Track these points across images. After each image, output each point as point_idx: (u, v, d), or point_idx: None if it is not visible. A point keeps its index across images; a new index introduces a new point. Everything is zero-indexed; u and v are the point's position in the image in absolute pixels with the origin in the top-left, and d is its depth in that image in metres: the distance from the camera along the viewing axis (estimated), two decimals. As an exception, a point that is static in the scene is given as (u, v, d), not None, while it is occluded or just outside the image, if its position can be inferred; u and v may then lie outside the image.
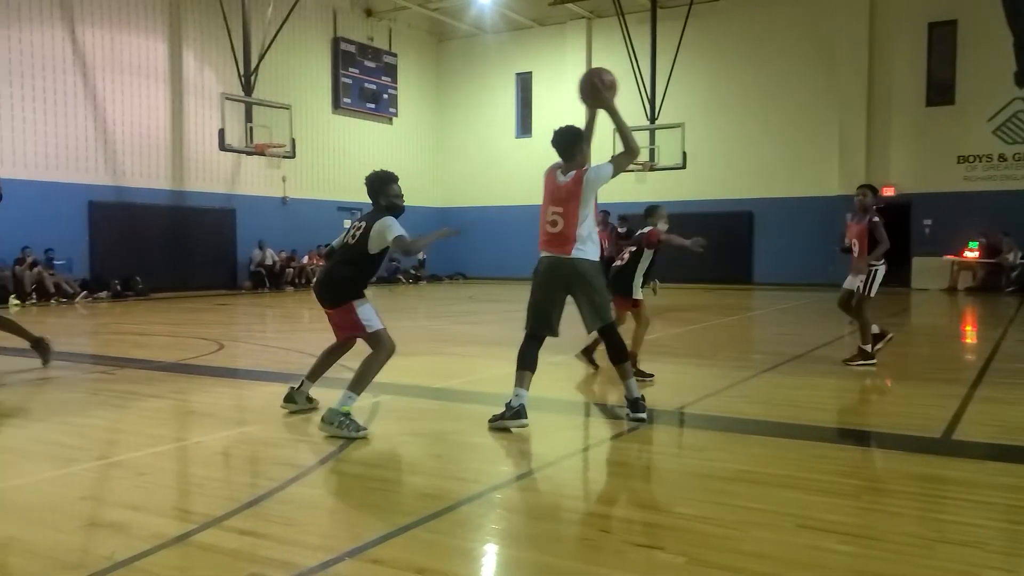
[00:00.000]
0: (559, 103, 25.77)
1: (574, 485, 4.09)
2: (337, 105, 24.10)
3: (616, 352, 5.25)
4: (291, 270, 21.81)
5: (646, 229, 7.17)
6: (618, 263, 7.22)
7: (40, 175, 17.06)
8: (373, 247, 5.17)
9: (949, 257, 20.73)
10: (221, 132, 18.44)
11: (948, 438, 4.87)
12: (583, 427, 5.57)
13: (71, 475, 4.14)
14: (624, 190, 24.02)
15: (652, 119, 22.19)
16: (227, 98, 18.72)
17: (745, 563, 2.85)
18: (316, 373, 5.59)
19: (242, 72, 19.28)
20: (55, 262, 16.83)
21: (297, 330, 12.21)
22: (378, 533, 3.15)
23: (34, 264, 16.32)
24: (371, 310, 5.17)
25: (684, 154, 21.62)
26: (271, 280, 21.09)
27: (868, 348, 7.70)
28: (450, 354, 8.15)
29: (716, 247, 23.20)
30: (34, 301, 16.06)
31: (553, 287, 5.19)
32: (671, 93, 22.07)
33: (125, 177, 18.74)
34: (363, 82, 24.77)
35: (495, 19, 25.97)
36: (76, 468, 4.27)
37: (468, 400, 6.40)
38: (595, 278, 5.16)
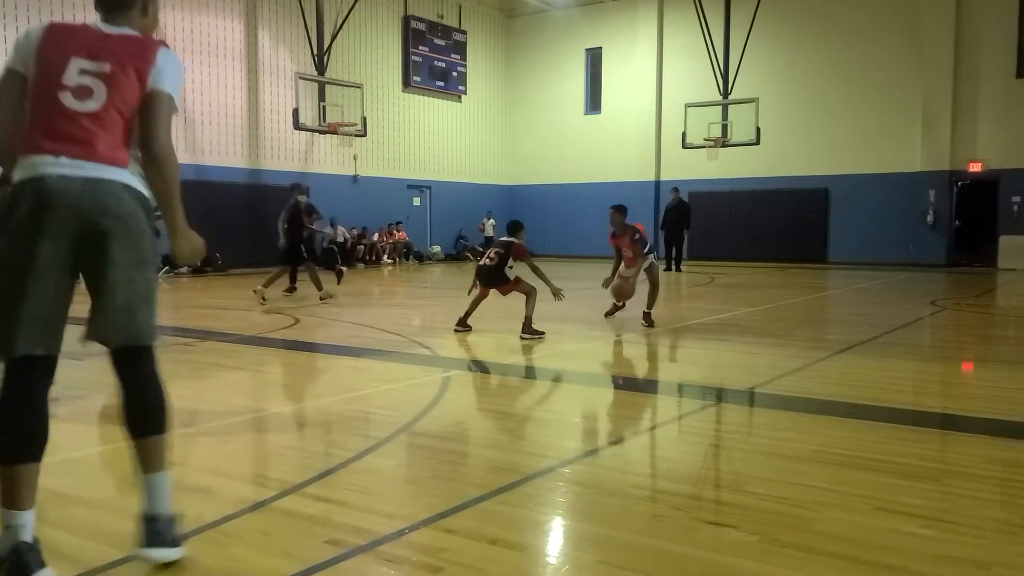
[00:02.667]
0: (630, 78, 25.52)
1: (643, 462, 4.09)
2: (407, 83, 24.28)
3: None
4: (362, 247, 22.18)
5: (513, 240, 8.29)
6: (487, 263, 8.30)
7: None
8: None
9: (1039, 236, 19.85)
10: (295, 111, 18.82)
11: (1036, 423, 4.69)
12: (652, 405, 5.54)
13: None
14: (696, 167, 23.71)
15: (725, 94, 21.71)
16: (301, 77, 19.07)
17: (821, 544, 2.81)
18: None
19: (315, 51, 19.59)
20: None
21: (369, 305, 12.43)
22: (451, 504, 3.21)
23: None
24: None
25: (758, 130, 21.11)
26: (343, 257, 21.49)
27: None
28: (518, 330, 8.18)
29: (790, 225, 22.93)
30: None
31: None
32: (745, 67, 21.52)
33: (204, 156, 19.30)
34: (433, 60, 24.88)
35: (565, -6, 25.77)
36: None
37: (536, 376, 6.44)
38: None
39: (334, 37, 19.98)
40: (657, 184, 25.03)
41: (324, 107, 19.49)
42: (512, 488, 3.44)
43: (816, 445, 4.11)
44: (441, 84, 25.28)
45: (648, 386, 6.16)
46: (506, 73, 27.99)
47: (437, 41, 25.00)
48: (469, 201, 26.12)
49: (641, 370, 6.83)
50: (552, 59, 27.08)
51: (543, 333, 7.87)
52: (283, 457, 4.11)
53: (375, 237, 22.82)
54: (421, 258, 24.18)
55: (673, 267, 19.18)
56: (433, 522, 3.02)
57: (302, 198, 11.95)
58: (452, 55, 25.59)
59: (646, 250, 8.83)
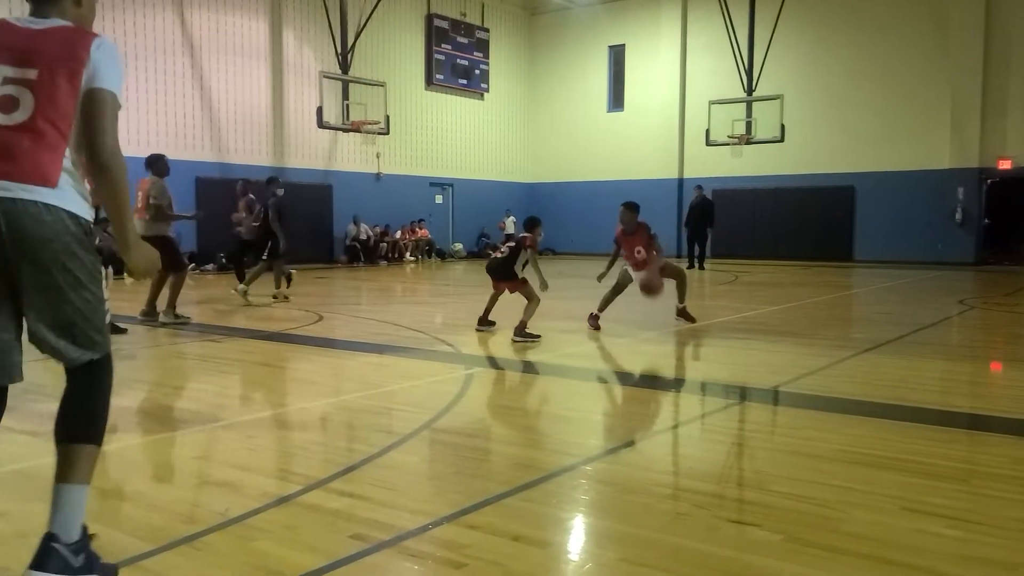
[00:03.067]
0: (653, 75, 25.40)
1: (666, 460, 4.08)
2: (430, 81, 24.34)
3: None
4: (384, 244, 22.28)
5: (526, 234, 8.32)
6: (498, 256, 8.35)
7: (151, 152, 17.89)
8: None
9: (1071, 234, 19.52)
10: (319, 110, 18.93)
11: (1066, 424, 4.62)
12: (674, 403, 5.53)
13: (185, 436, 4.39)
14: (720, 165, 23.57)
15: (749, 91, 21.55)
16: (325, 76, 19.18)
17: (846, 544, 2.80)
18: None
19: (339, 50, 19.70)
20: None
21: (392, 303, 12.50)
22: (473, 500, 3.23)
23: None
24: None
25: (782, 127, 20.94)
26: (365, 254, 21.62)
27: None
28: (539, 328, 8.18)
29: (815, 223, 22.72)
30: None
31: None
32: (769, 63, 21.36)
33: (229, 154, 19.48)
34: (455, 58, 24.93)
35: (588, -9, 25.70)
36: (190, 430, 4.52)
37: (557, 374, 6.44)
38: None
39: (358, 36, 20.08)
40: (680, 182, 24.90)
41: (348, 105, 19.59)
42: (535, 485, 3.45)
43: (841, 444, 4.08)
44: (464, 82, 25.32)
45: (671, 384, 6.14)
46: (529, 71, 27.97)
47: (460, 39, 25.04)
48: (491, 199, 26.14)
49: (664, 368, 6.81)
50: (575, 56, 27.03)
51: (539, 336, 7.72)
52: (307, 452, 4.15)
53: (397, 235, 22.91)
54: (443, 256, 24.25)
55: (696, 265, 19.08)
56: (456, 518, 3.04)
57: (279, 191, 11.62)
58: (475, 53, 25.62)
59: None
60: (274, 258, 11.43)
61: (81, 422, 2.41)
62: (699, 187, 20.55)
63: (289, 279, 12.23)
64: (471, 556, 2.68)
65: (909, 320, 9.41)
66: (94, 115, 2.27)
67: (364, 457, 3.87)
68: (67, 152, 2.30)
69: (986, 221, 21.35)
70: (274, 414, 4.99)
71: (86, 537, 2.36)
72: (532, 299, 7.99)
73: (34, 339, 2.37)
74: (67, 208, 2.29)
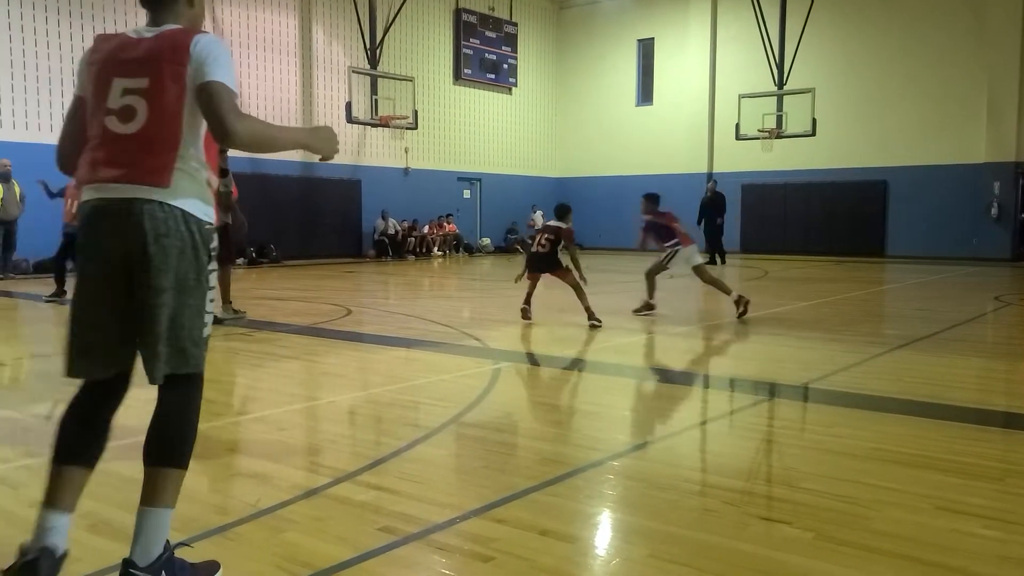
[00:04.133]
0: (682, 69, 25.21)
1: (693, 456, 4.05)
2: (458, 76, 24.36)
3: None
4: (412, 239, 22.36)
5: (562, 225, 8.46)
6: (539, 250, 8.38)
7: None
8: None
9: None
10: (348, 105, 19.04)
11: (1106, 423, 4.52)
12: (703, 399, 5.49)
13: (217, 428, 4.44)
14: (750, 159, 23.35)
15: (780, 85, 21.32)
16: (354, 71, 19.29)
17: (879, 543, 2.76)
18: None
19: (368, 45, 19.78)
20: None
21: (419, 297, 12.54)
22: (501, 494, 3.23)
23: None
24: None
25: (814, 120, 20.68)
26: (393, 249, 21.71)
27: None
28: (567, 323, 8.18)
29: (847, 218, 22.43)
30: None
31: None
32: (801, 56, 21.10)
33: (259, 149, 19.64)
34: (484, 52, 24.92)
35: (617, -15, 25.55)
36: (221, 422, 4.57)
37: (586, 369, 6.42)
38: None
39: (386, 31, 20.15)
40: (709, 176, 24.69)
41: (376, 100, 19.69)
42: (562, 480, 3.44)
43: (873, 442, 4.03)
44: (492, 76, 25.32)
45: (699, 380, 6.10)
46: (557, 65, 27.89)
47: (488, 33, 25.03)
48: (519, 193, 26.13)
49: (693, 364, 6.77)
50: (603, 50, 26.90)
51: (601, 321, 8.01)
52: (336, 445, 4.18)
53: (425, 229, 22.98)
54: (471, 250, 24.29)
55: (718, 260, 18.85)
56: (484, 512, 3.04)
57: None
58: (503, 47, 25.60)
59: (671, 241, 8.94)
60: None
61: (169, 445, 2.43)
62: (713, 180, 20.34)
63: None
64: (498, 550, 2.69)
65: (943, 316, 9.26)
66: (209, 108, 2.32)
67: (392, 450, 3.89)
68: (181, 152, 2.37)
69: (1022, 216, 20.94)
70: (304, 407, 5.04)
71: (168, 550, 2.37)
72: (577, 287, 8.12)
73: (141, 342, 2.39)
74: (180, 207, 2.36)
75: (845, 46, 22.41)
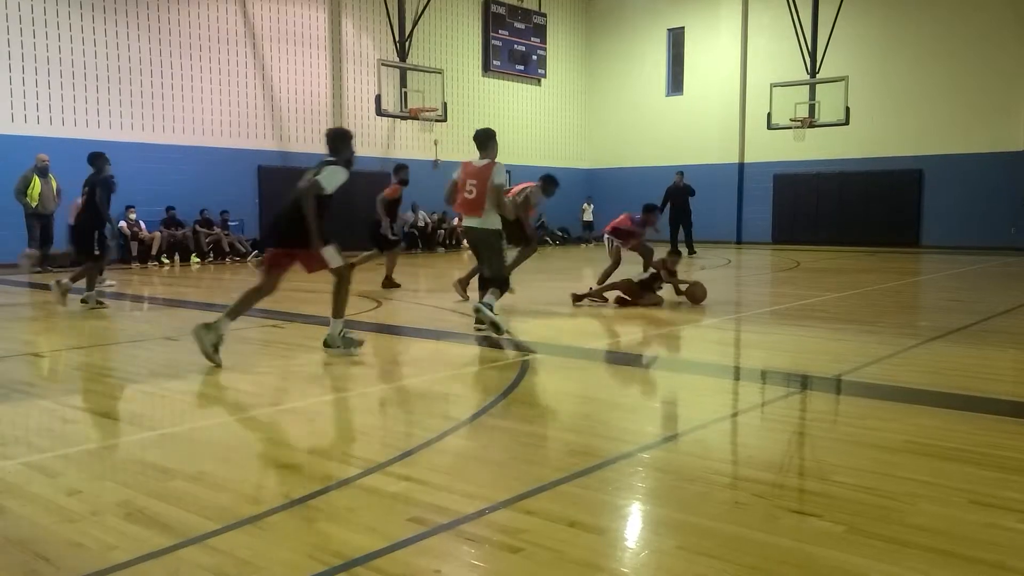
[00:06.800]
0: (713, 58, 24.96)
1: (724, 449, 4.03)
2: (487, 68, 24.34)
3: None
4: (442, 231, 22.42)
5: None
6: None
7: (215, 142, 18.34)
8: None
9: None
10: (378, 98, 19.13)
11: None
12: (733, 391, 5.46)
13: (250, 419, 4.51)
14: (782, 149, 23.08)
15: (812, 73, 21.03)
16: (383, 64, 19.36)
17: (912, 537, 2.73)
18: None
19: (397, 38, 19.83)
20: (230, 223, 18.10)
21: (449, 289, 12.56)
22: (530, 486, 3.24)
23: (211, 225, 17.65)
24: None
25: (847, 109, 20.39)
26: (423, 241, 21.78)
27: None
28: (595, 315, 8.15)
29: (881, 208, 22.08)
30: (211, 260, 17.40)
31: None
32: (834, 44, 20.79)
33: (290, 142, 19.81)
34: (512, 44, 24.87)
35: (646, -26, 25.33)
36: (254, 413, 4.63)
37: (615, 361, 6.41)
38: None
39: (415, 23, 20.19)
40: (741, 167, 24.47)
41: (406, 93, 19.75)
42: (591, 472, 3.44)
43: (907, 435, 3.98)
44: (521, 68, 25.26)
45: (730, 372, 6.06)
46: (586, 55, 27.75)
47: (517, 25, 24.96)
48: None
49: (723, 356, 6.72)
50: (633, 40, 26.70)
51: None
52: (367, 436, 4.22)
53: (455, 221, 22.99)
54: (500, 242, 24.31)
55: (687, 251, 18.42)
56: (513, 503, 3.05)
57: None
58: (532, 38, 25.52)
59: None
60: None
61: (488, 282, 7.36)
62: (680, 172, 19.87)
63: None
64: (527, 541, 2.70)
65: (979, 308, 9.10)
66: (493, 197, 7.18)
67: (422, 442, 3.92)
68: (486, 206, 7.14)
69: (1065, 205, 20.50)
70: (335, 398, 5.09)
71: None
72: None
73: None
74: (488, 227, 7.24)
75: (880, 32, 22.02)
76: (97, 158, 9.32)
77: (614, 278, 9.47)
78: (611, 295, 9.15)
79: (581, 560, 2.58)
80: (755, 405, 4.96)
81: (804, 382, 5.38)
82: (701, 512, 3.00)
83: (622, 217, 10.77)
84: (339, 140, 6.31)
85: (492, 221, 7.23)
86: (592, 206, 25.70)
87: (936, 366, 5.90)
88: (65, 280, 9.10)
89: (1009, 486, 3.24)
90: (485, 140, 7.33)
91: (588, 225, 25.91)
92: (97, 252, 9.19)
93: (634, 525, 2.98)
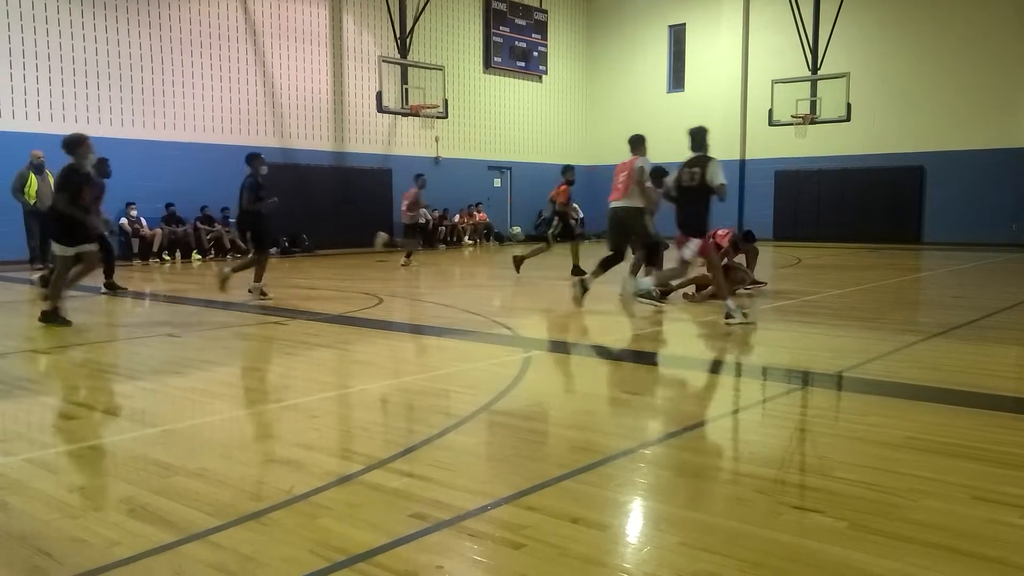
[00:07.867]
0: (714, 55, 24.92)
1: (726, 445, 4.04)
2: (488, 64, 24.32)
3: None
4: (443, 228, 22.41)
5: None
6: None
7: (216, 139, 18.33)
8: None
9: None
10: (379, 94, 19.10)
11: None
12: (735, 388, 5.46)
13: (252, 415, 4.51)
14: (784, 145, 23.04)
15: (814, 69, 21.00)
16: (384, 61, 19.33)
17: (914, 533, 2.73)
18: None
19: (398, 35, 19.81)
20: (230, 220, 18.09)
21: (450, 286, 12.58)
22: (532, 482, 3.24)
23: (211, 222, 17.65)
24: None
25: (848, 105, 20.35)
26: (424, 238, 21.76)
27: None
28: (601, 312, 8.15)
29: (882, 204, 22.06)
30: (213, 256, 17.41)
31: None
32: (835, 40, 20.75)
33: (291, 139, 19.80)
34: (513, 40, 24.84)
35: (647, -30, 25.28)
36: (256, 409, 4.63)
37: (617, 357, 6.41)
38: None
39: (416, 20, 20.15)
40: (742, 163, 24.44)
41: (407, 90, 19.72)
42: (593, 468, 3.44)
43: (908, 431, 3.98)
44: (522, 64, 25.23)
45: (732, 369, 6.06)
46: (587, 52, 27.71)
47: (518, 21, 24.93)
48: (550, 182, 25.86)
49: (725, 352, 6.72)
50: (634, 37, 26.66)
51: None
52: (368, 433, 4.22)
53: (456, 218, 23.02)
54: (501, 239, 24.29)
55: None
56: (515, 499, 3.05)
57: (263, 168, 10.26)
58: (533, 35, 25.48)
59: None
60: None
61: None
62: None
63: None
64: (529, 537, 2.70)
65: (981, 304, 9.09)
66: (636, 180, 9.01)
67: (424, 438, 3.92)
68: (632, 190, 8.85)
69: (1065, 201, 20.48)
70: (336, 395, 5.09)
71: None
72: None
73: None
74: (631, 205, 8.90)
75: (880, 30, 21.97)
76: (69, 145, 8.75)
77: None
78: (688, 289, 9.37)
79: (583, 556, 2.58)
80: (757, 401, 4.96)
81: (806, 378, 5.38)
82: (703, 508, 3.01)
83: (726, 231, 10.19)
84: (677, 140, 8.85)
85: (635, 201, 9.00)
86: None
87: (937, 362, 5.90)
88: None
89: (1011, 482, 3.24)
90: (634, 142, 9.46)
91: (581, 222, 25.79)
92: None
93: (636, 521, 2.98)
